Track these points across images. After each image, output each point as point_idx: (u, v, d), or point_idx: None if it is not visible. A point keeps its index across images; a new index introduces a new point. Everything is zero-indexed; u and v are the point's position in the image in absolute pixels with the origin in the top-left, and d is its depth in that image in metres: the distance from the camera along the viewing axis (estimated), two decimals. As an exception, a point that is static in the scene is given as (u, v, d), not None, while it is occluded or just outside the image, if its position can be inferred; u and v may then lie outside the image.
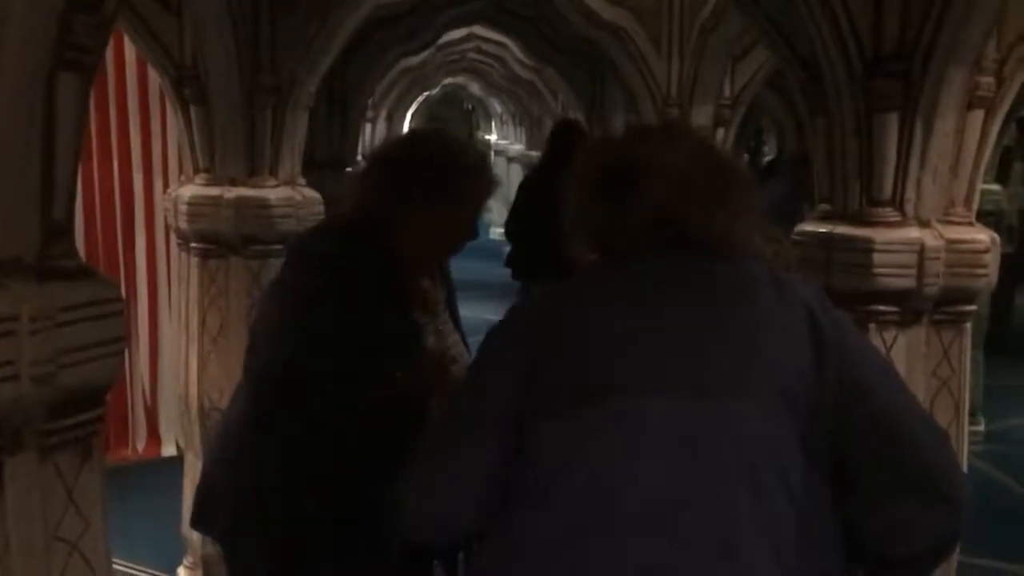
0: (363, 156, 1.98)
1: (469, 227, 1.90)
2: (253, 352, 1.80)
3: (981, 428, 5.41)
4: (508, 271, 5.48)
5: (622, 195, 1.29)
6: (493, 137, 14.27)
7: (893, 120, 2.01)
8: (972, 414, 5.37)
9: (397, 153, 1.87)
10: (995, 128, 2.10)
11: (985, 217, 5.41)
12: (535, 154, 9.55)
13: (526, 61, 6.82)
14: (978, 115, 2.05)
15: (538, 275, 4.90)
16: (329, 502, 1.75)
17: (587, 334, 1.27)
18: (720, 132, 4.02)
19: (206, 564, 3.05)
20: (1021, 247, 7.35)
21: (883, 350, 2.06)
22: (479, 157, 1.96)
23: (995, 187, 5.38)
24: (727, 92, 4.00)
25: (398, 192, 1.78)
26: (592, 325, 1.28)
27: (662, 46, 3.89)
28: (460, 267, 2.12)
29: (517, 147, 11.06)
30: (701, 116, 3.93)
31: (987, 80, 2.03)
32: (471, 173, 1.84)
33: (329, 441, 1.73)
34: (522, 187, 5.04)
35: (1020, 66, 2.07)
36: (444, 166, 1.81)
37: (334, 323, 1.69)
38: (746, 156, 9.77)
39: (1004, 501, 4.69)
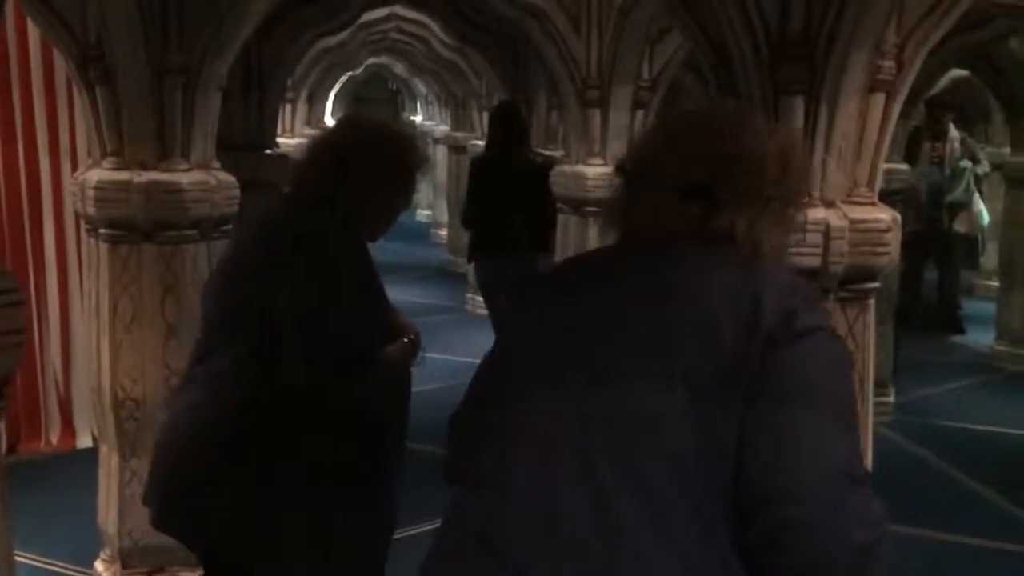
0: (310, 142, 2.14)
1: (406, 199, 2.12)
2: (267, 342, 1.83)
3: (891, 400, 5.63)
4: (433, 252, 5.53)
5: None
6: (419, 118, 14.15)
7: (799, 103, 2.06)
8: (883, 386, 5.64)
9: (339, 136, 2.05)
10: (896, 111, 2.16)
11: (894, 196, 5.66)
12: (461, 135, 9.52)
13: (448, 42, 6.78)
14: (879, 98, 2.11)
15: (498, 253, 5.03)
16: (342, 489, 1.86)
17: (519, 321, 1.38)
18: (639, 114, 4.06)
19: (123, 556, 2.98)
20: (930, 225, 7.64)
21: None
22: (413, 137, 2.17)
23: (903, 167, 5.56)
24: (646, 73, 4.04)
25: (344, 170, 1.97)
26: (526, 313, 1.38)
27: (581, 27, 3.91)
28: (387, 248, 2.17)
29: (443, 128, 10.99)
30: (621, 97, 3.97)
31: (888, 64, 2.09)
32: (407, 149, 2.07)
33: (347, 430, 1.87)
34: (474, 171, 5.11)
35: (919, 50, 2.13)
36: (382, 144, 2.02)
37: (351, 301, 1.86)
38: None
39: (915, 470, 4.89)
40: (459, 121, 9.79)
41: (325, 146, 2.05)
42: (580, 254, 1.55)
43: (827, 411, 1.16)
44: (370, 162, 1.99)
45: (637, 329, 1.23)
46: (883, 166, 5.80)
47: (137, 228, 2.85)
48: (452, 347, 7.18)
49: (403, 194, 2.09)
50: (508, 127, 4.99)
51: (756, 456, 1.12)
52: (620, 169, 1.42)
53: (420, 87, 12.99)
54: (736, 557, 1.10)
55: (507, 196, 4.79)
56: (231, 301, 1.92)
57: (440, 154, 10.48)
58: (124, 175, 2.83)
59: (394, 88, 16.23)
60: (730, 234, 1.29)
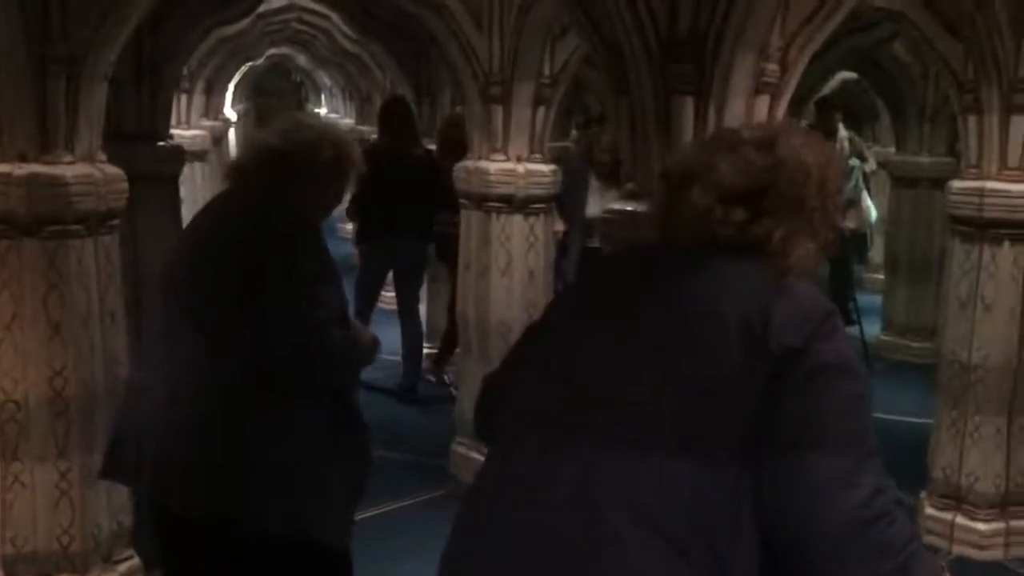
0: (253, 142, 2.30)
1: (339, 199, 2.32)
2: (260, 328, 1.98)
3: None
4: (340, 247, 5.58)
5: None
6: (323, 110, 13.93)
7: (689, 103, 2.11)
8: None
9: (281, 138, 2.19)
10: (781, 112, 2.24)
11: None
12: (366, 129, 9.40)
13: (351, 34, 6.69)
14: (765, 100, 2.18)
15: (383, 241, 5.21)
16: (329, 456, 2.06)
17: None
18: (541, 110, 4.09)
19: (6, 564, 2.85)
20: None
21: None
22: (350, 141, 2.34)
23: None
24: (547, 70, 4.07)
25: (288, 170, 2.15)
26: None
27: (483, 23, 3.91)
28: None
29: (347, 121, 10.85)
30: (523, 94, 3.99)
31: (772, 67, 2.16)
32: (345, 152, 2.24)
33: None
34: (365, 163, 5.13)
35: (802, 53, 2.22)
36: (322, 147, 2.19)
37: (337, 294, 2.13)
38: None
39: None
40: (364, 115, 9.68)
41: (270, 147, 2.19)
42: (620, 254, 1.62)
43: (842, 455, 1.17)
44: (312, 163, 2.17)
45: (648, 347, 1.25)
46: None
47: (17, 223, 2.73)
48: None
49: (339, 193, 2.29)
50: (395, 120, 5.27)
51: (774, 503, 1.16)
52: (665, 176, 1.46)
53: (324, 79, 12.78)
54: None
55: (395, 187, 5.05)
56: (223, 296, 2.03)
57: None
58: (4, 167, 2.71)
59: (298, 80, 15.93)
60: (765, 243, 1.30)
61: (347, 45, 7.64)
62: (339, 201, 2.32)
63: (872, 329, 7.58)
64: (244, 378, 1.99)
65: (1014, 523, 3.67)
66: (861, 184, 8.88)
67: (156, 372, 2.10)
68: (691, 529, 1.13)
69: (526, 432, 1.27)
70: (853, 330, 7.94)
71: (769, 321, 1.19)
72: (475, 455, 4.28)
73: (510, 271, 4.10)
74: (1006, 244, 3.55)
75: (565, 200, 5.24)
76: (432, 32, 4.06)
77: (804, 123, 7.06)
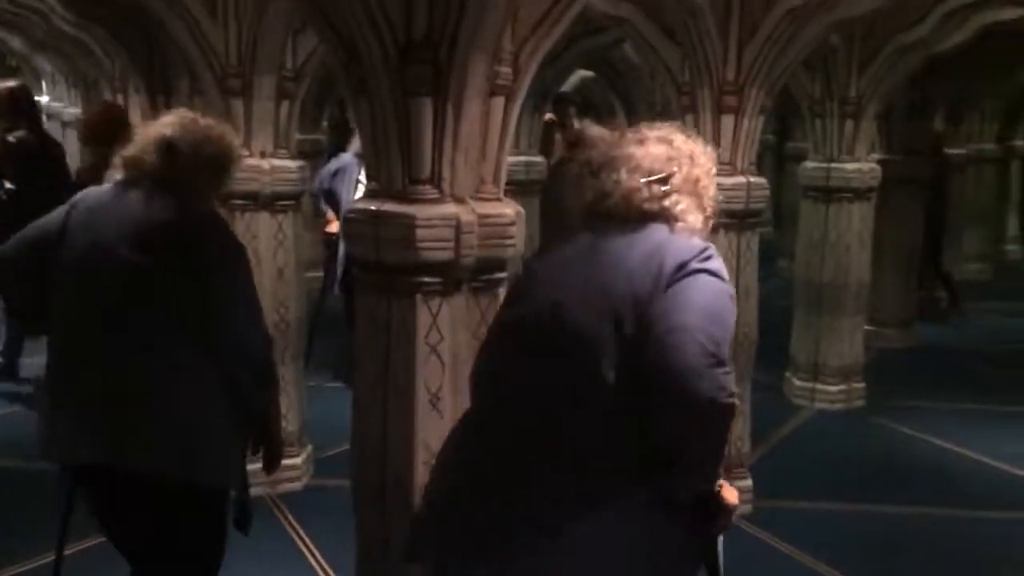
0: (154, 136, 2.44)
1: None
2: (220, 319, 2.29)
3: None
4: None
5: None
6: (45, 99, 12.69)
7: (427, 104, 2.15)
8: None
9: (174, 134, 2.40)
10: (515, 113, 2.33)
11: (534, 185, 6.08)
12: (94, 119, 8.68)
13: (71, 17, 6.13)
14: (500, 101, 2.26)
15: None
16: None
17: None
18: (285, 104, 3.98)
19: None
20: (568, 210, 8.37)
21: (430, 318, 2.22)
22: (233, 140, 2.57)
23: (540, 159, 6.02)
24: (290, 64, 3.97)
25: (185, 168, 2.38)
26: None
27: (218, 13, 3.73)
28: None
29: (72, 111, 9.97)
30: (264, 87, 3.86)
31: (505, 70, 2.25)
32: (227, 148, 2.50)
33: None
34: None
35: (533, 57, 2.32)
36: (207, 143, 2.43)
37: None
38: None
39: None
40: (91, 103, 8.93)
41: (166, 142, 2.37)
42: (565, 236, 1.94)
43: (690, 315, 1.66)
44: (198, 159, 2.40)
45: (586, 287, 1.77)
46: (523, 159, 6.21)
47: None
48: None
49: (219, 189, 2.55)
50: (14, 109, 5.33)
51: (650, 351, 1.65)
52: (587, 163, 1.90)
53: (45, 65, 11.64)
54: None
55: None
56: (164, 279, 2.26)
57: (71, 139, 9.50)
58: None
59: (14, 65, 14.40)
60: (671, 211, 1.81)
61: (68, 28, 7.00)
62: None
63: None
64: (161, 339, 2.24)
65: (737, 483, 4.07)
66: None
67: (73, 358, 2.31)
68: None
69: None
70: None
71: (663, 264, 1.72)
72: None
73: (258, 270, 3.95)
74: (721, 232, 3.92)
75: (336, 195, 5.18)
76: (162, 20, 3.82)
77: (547, 116, 7.40)
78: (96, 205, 2.39)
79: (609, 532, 1.67)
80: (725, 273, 1.76)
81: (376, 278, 2.26)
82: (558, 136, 7.94)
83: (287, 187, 3.99)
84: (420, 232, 2.14)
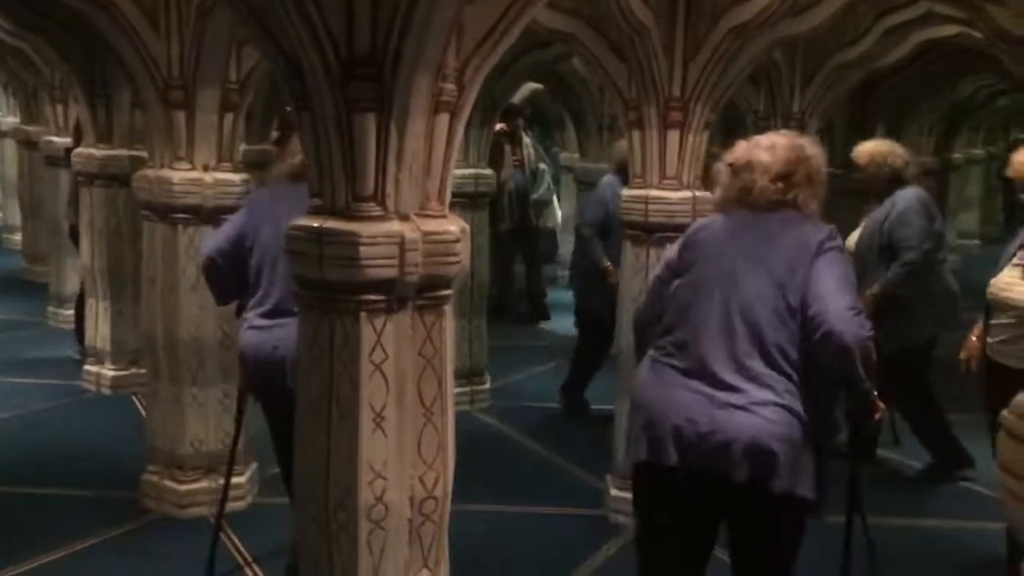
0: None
1: None
2: None
3: (487, 386, 6.10)
4: (5, 260, 5.02)
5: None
6: (-17, 108, 12.36)
7: (371, 120, 2.12)
8: (479, 374, 6.08)
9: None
10: (460, 129, 2.32)
11: (483, 198, 6.08)
12: (33, 130, 8.49)
13: (8, 26, 5.99)
14: (444, 118, 2.25)
15: None
16: None
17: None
18: (229, 116, 3.92)
19: None
20: (520, 223, 8.38)
21: (375, 336, 2.20)
22: None
23: (489, 171, 6.01)
24: (234, 75, 3.91)
25: None
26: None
27: (160, 24, 3.67)
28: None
29: (11, 120, 9.73)
30: (207, 99, 3.80)
31: (450, 86, 2.23)
32: None
33: None
34: None
35: (477, 73, 2.31)
36: None
37: None
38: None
39: (510, 451, 5.33)
40: (31, 114, 8.73)
41: None
42: (719, 220, 2.73)
43: (837, 281, 2.47)
44: None
45: (754, 257, 2.56)
46: (471, 172, 6.19)
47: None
48: (34, 368, 6.41)
49: None
50: None
51: (811, 304, 2.45)
52: (731, 165, 2.69)
53: (-18, 72, 11.33)
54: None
55: None
56: None
57: (9, 149, 9.27)
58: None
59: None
60: (796, 202, 2.61)
61: (6, 37, 6.84)
62: None
63: (566, 323, 8.13)
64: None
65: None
66: (552, 186, 9.50)
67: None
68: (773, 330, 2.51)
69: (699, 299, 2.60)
70: (548, 324, 8.52)
71: (812, 236, 2.56)
72: (168, 483, 4.04)
73: (201, 286, 3.89)
74: (668, 247, 3.95)
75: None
76: (103, 32, 3.75)
77: (496, 127, 7.39)
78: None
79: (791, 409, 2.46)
80: (844, 245, 2.63)
81: (319, 296, 2.22)
82: (507, 147, 7.96)
83: (231, 200, 3.92)
84: (364, 250, 2.12)
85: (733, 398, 2.44)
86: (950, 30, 5.19)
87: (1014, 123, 12.49)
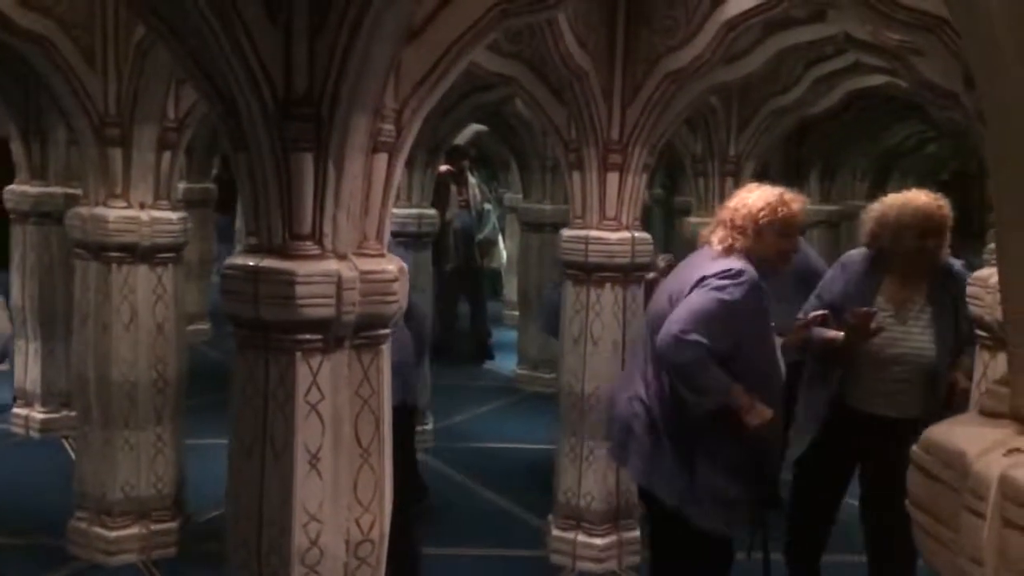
0: None
1: None
2: None
3: (430, 427, 6.04)
4: None
5: None
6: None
7: (309, 160, 2.12)
8: (422, 416, 6.02)
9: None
10: (398, 169, 2.33)
11: (426, 238, 6.09)
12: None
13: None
14: (383, 158, 2.26)
15: None
16: None
17: None
18: (167, 155, 3.88)
19: None
20: (465, 262, 8.39)
21: (310, 376, 2.18)
22: None
23: (432, 211, 6.03)
24: (172, 113, 3.88)
25: None
26: None
27: (96, 61, 3.63)
28: None
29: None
30: (144, 137, 3.76)
31: (388, 127, 2.25)
32: None
33: None
34: None
35: (416, 115, 2.33)
36: None
37: None
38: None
39: (454, 493, 5.27)
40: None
41: None
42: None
43: (685, 309, 2.77)
44: None
45: (670, 287, 2.98)
46: (415, 212, 6.17)
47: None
48: None
49: None
50: None
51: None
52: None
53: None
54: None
55: None
56: None
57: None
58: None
59: None
60: (710, 241, 2.98)
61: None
62: None
63: (509, 363, 8.14)
64: None
65: (625, 535, 4.11)
66: (497, 226, 9.55)
67: None
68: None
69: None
70: (492, 364, 8.52)
71: (701, 272, 2.89)
72: (97, 529, 3.91)
73: (135, 326, 3.82)
74: (607, 286, 4.01)
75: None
76: (37, 68, 3.69)
77: (441, 168, 7.43)
78: None
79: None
80: (744, 287, 2.79)
81: (254, 335, 2.20)
82: (454, 187, 7.99)
83: (167, 239, 3.87)
84: (300, 288, 2.11)
85: (627, 391, 3.02)
86: (878, 80, 5.39)
87: (942, 169, 12.98)
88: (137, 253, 3.79)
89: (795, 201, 2.94)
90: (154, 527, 3.94)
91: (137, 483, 3.90)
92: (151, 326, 3.85)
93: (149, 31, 2.86)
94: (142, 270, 3.83)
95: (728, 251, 2.88)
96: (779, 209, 2.88)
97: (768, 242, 2.87)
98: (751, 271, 2.83)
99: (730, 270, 2.81)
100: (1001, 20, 0.76)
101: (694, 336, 2.72)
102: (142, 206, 3.79)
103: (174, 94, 3.83)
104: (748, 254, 2.86)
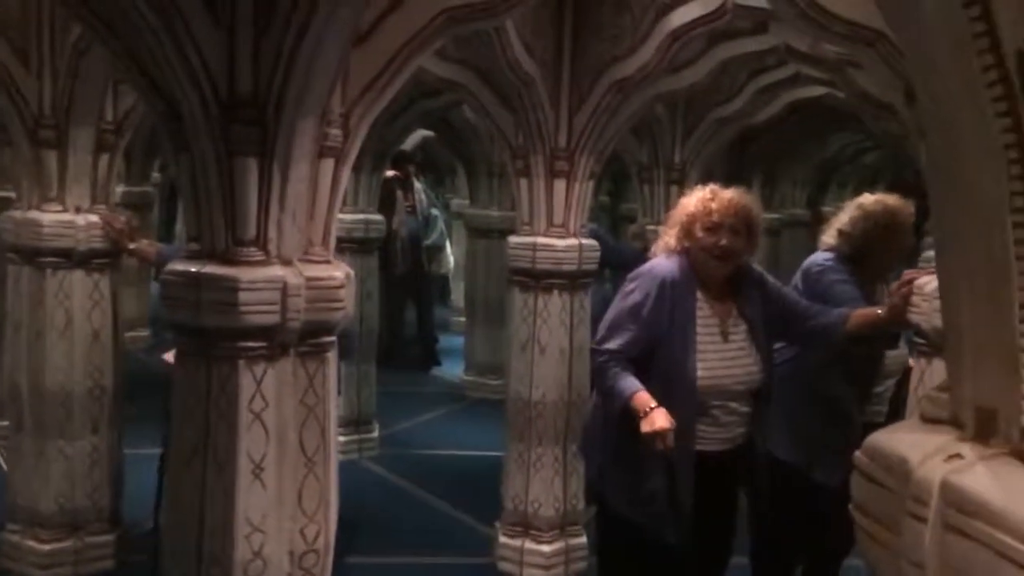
0: None
1: None
2: None
3: (376, 434, 5.99)
4: None
5: None
6: None
7: (253, 164, 2.09)
8: (368, 423, 5.97)
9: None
10: (345, 175, 2.31)
11: (373, 243, 6.04)
12: None
13: None
14: (329, 163, 2.24)
15: None
16: None
17: None
18: (104, 157, 3.78)
19: None
20: (412, 268, 8.34)
21: (254, 384, 2.14)
22: None
23: (378, 216, 5.98)
24: (110, 115, 3.78)
25: None
26: None
27: (31, 62, 3.53)
28: None
29: None
30: (81, 139, 3.66)
31: (335, 131, 2.23)
32: None
33: None
34: None
35: (363, 120, 2.31)
36: None
37: None
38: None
39: (399, 500, 5.23)
40: None
41: None
42: None
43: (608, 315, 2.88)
44: None
45: None
46: (362, 217, 6.11)
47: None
48: None
49: None
50: None
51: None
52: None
53: None
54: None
55: None
56: None
57: None
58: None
59: None
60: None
61: None
62: None
63: (456, 369, 8.10)
64: None
65: (572, 541, 4.11)
66: (445, 231, 9.52)
67: None
68: None
69: None
70: (439, 370, 8.48)
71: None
72: (30, 542, 3.79)
73: (70, 332, 3.71)
74: (555, 293, 4.02)
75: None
76: (-35, 66, 3.57)
77: (388, 173, 7.38)
78: None
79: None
80: (648, 281, 2.79)
81: (196, 343, 2.15)
82: (399, 194, 7.95)
83: (105, 244, 3.77)
84: (244, 295, 2.07)
85: None
86: (817, 91, 5.51)
87: (880, 178, 13.32)
88: (73, 258, 3.69)
89: (719, 198, 2.82)
90: (89, 540, 3.82)
91: (72, 495, 3.79)
92: (87, 333, 3.75)
93: (86, 30, 2.79)
94: (78, 275, 3.72)
95: (667, 251, 2.88)
96: (702, 205, 2.82)
97: (695, 239, 2.82)
98: (661, 269, 2.79)
99: (640, 271, 2.84)
100: (939, 36, 0.77)
101: (604, 343, 2.78)
102: (78, 210, 3.69)
103: (112, 95, 3.74)
104: (687, 253, 2.84)
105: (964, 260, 0.79)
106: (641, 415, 2.64)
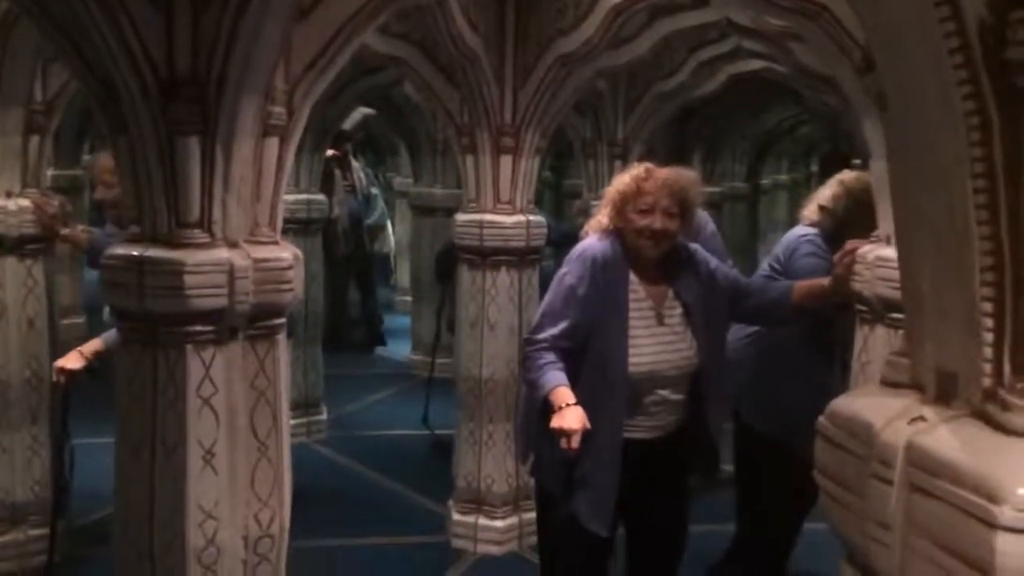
0: None
1: None
2: None
3: (324, 417, 5.94)
4: None
5: None
6: None
7: (195, 144, 2.03)
8: (316, 405, 5.92)
9: None
10: (290, 154, 2.26)
11: (316, 224, 5.95)
12: None
13: None
14: (274, 142, 2.18)
15: None
16: None
17: None
18: (35, 139, 3.65)
19: None
20: (354, 248, 8.25)
21: (203, 369, 2.09)
22: None
23: (321, 196, 5.90)
24: (40, 96, 3.65)
25: None
26: None
27: (-47, 39, 3.38)
28: None
29: None
30: (9, 121, 3.52)
31: (279, 110, 2.17)
32: None
33: None
34: None
35: (307, 98, 2.26)
36: None
37: None
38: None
39: (348, 482, 5.21)
40: None
41: None
42: None
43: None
44: None
45: None
46: (304, 197, 6.02)
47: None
48: None
49: None
50: None
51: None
52: None
53: None
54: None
55: None
56: None
57: None
58: None
59: None
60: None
61: None
62: None
63: (403, 349, 8.07)
64: None
65: (525, 516, 4.14)
66: (386, 210, 9.44)
67: None
68: None
69: None
70: (383, 350, 8.43)
71: None
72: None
73: (4, 321, 3.59)
74: (503, 270, 4.01)
75: None
76: None
77: (328, 153, 7.27)
78: None
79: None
80: (580, 262, 2.69)
81: (141, 329, 2.10)
82: (338, 174, 7.84)
83: (36, 229, 3.65)
84: (189, 279, 2.02)
85: None
86: (756, 64, 5.57)
87: (815, 151, 13.58)
88: (5, 244, 3.56)
89: (654, 178, 2.70)
90: (32, 532, 3.73)
91: (12, 487, 3.68)
92: (22, 321, 3.63)
93: (13, 4, 2.67)
94: (10, 262, 3.60)
95: (600, 231, 2.76)
96: (636, 185, 2.69)
97: (628, 219, 2.69)
98: (593, 250, 2.68)
99: (572, 253, 2.74)
100: (902, 5, 0.78)
101: (536, 332, 2.68)
102: (9, 195, 3.56)
103: (41, 74, 3.60)
104: (619, 233, 2.72)
105: (925, 226, 0.81)
106: (555, 410, 2.52)
